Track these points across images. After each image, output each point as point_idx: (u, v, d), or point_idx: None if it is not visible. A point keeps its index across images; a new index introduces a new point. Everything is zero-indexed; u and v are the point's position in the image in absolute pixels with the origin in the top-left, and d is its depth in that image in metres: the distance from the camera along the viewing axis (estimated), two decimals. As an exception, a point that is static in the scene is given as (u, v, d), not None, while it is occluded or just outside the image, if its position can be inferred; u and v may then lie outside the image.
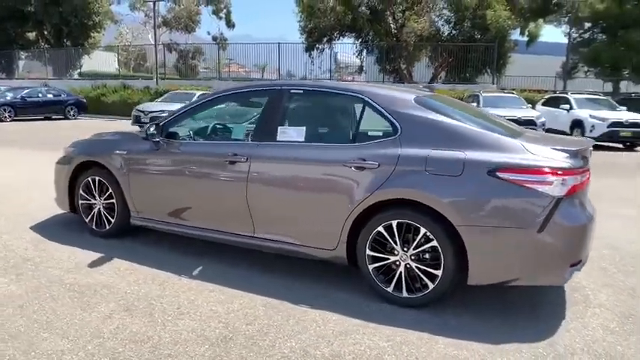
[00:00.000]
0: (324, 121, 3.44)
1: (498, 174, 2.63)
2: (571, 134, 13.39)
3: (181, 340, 2.53)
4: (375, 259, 3.00)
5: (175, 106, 16.33)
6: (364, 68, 28.76)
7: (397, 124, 2.98)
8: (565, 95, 15.24)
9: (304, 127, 3.32)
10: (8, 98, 18.71)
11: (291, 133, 3.33)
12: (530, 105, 15.21)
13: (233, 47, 26.49)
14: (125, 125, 17.35)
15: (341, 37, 27.20)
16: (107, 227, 4.17)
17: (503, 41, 22.34)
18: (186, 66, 28.43)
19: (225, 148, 3.52)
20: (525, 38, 29.12)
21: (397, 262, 2.94)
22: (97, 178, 4.14)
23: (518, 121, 11.95)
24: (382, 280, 3.00)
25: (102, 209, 4.18)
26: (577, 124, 13.57)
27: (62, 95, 20.79)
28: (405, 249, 2.90)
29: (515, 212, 2.62)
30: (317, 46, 26.94)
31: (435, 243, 2.78)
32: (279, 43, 24.46)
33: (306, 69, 27.25)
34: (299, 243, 3.24)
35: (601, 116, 13.09)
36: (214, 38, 33.78)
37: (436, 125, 2.93)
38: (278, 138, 3.34)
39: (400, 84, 23.70)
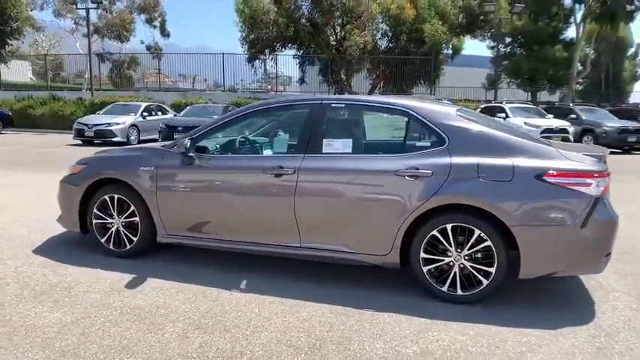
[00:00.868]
0: (368, 133, 3.61)
1: (545, 178, 2.97)
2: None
3: (275, 352, 2.57)
4: (428, 262, 3.22)
5: (121, 118, 15.82)
6: (305, 79, 29.21)
7: (444, 135, 3.24)
8: (501, 105, 16.62)
9: (351, 139, 3.48)
10: None
11: (337, 145, 3.46)
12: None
13: (170, 57, 25.69)
14: (61, 139, 16.27)
15: (283, 49, 27.45)
16: (128, 247, 4.01)
17: (438, 54, 23.87)
18: (121, 76, 27.03)
19: (268, 161, 3.57)
20: (450, 51, 31.34)
21: (451, 263, 3.18)
22: (115, 196, 3.97)
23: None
24: (436, 280, 3.23)
25: (121, 228, 4.01)
26: (513, 132, 14.90)
27: (-17, 108, 18.97)
28: (459, 250, 3.15)
29: (561, 211, 2.97)
30: (259, 57, 26.98)
31: (488, 243, 3.06)
32: (223, 53, 24.16)
33: (247, 79, 27.31)
34: (352, 251, 3.37)
35: (534, 124, 14.46)
36: (148, 48, 32.51)
37: (481, 135, 3.23)
38: (324, 150, 3.47)
39: (341, 95, 24.42)
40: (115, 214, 4.01)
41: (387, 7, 23.15)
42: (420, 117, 3.35)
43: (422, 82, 25.85)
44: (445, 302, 3.20)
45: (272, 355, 2.54)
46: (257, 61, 27.51)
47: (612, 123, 15.13)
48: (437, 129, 3.28)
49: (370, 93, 26.42)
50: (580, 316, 3.05)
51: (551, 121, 14.92)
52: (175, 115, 16.79)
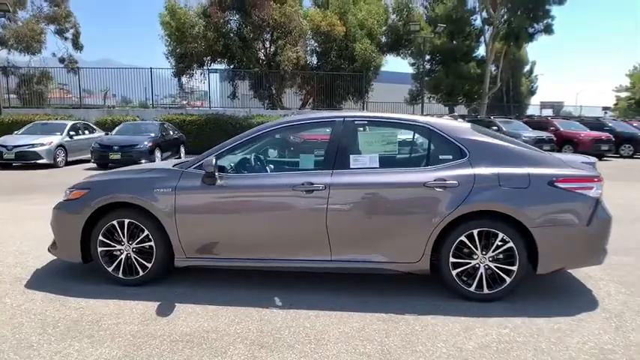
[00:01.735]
0: (392, 148, 3.81)
1: (557, 184, 3.40)
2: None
3: (351, 361, 2.65)
4: (456, 265, 3.50)
5: (46, 139, 14.52)
6: (237, 94, 28.97)
7: (464, 148, 3.57)
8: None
9: (377, 155, 3.67)
10: None
11: (364, 160, 3.64)
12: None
13: (92, 72, 24.09)
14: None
15: (213, 63, 27.04)
16: (141, 274, 3.81)
17: (368, 71, 25.01)
18: (30, 92, 24.68)
19: (296, 178, 3.64)
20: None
21: (476, 265, 3.49)
22: (126, 221, 3.78)
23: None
24: (463, 282, 3.51)
25: (132, 254, 3.81)
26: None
27: None
28: (484, 252, 3.46)
29: (570, 212, 3.41)
30: (188, 71, 26.32)
31: (511, 244, 3.41)
32: (151, 68, 23.24)
33: (160, 94, 26.55)
34: (385, 260, 3.55)
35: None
36: (61, 60, 30.10)
37: (497, 147, 3.60)
38: (352, 165, 3.63)
39: (274, 110, 24.65)
40: (124, 239, 3.80)
41: (318, 25, 23.85)
42: (441, 132, 3.65)
43: (351, 98, 26.91)
44: (473, 301, 3.49)
45: (351, 365, 2.62)
46: (184, 76, 26.86)
47: (528, 133, 16.92)
48: (457, 143, 3.60)
49: (301, 108, 26.90)
50: (587, 303, 3.51)
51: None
52: (107, 134, 15.77)
